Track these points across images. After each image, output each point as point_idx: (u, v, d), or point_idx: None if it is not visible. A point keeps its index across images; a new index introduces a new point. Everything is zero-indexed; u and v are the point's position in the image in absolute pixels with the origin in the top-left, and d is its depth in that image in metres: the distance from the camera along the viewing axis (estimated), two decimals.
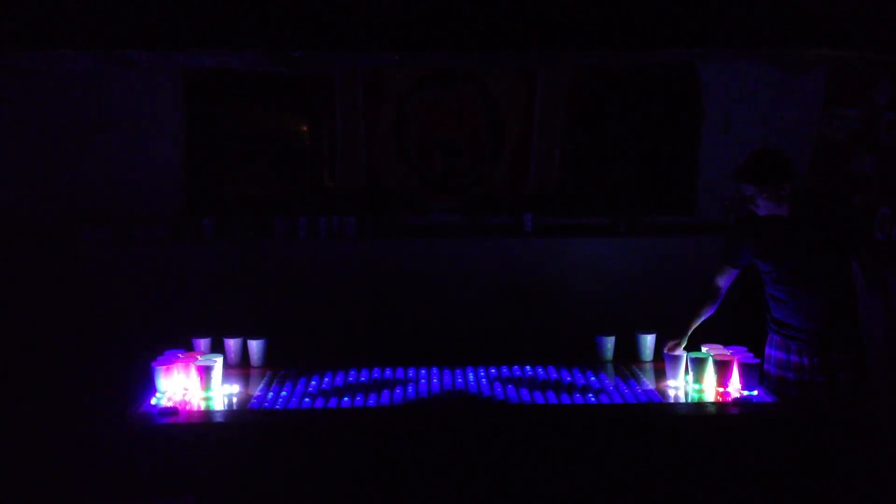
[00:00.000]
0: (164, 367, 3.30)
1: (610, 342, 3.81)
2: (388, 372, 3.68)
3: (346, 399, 3.35)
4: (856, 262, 3.41)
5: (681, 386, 3.45)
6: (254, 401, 3.32)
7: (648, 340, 3.80)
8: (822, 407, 3.40)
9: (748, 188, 3.40)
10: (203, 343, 3.71)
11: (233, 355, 3.77)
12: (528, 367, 3.72)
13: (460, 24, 4.13)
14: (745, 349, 3.54)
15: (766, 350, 3.61)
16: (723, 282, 3.67)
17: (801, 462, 3.22)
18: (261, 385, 3.51)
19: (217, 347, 3.74)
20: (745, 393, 3.29)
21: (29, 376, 4.87)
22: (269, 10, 4.09)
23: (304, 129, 5.52)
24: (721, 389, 3.33)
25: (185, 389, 3.34)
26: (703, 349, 3.55)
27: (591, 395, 3.37)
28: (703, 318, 3.72)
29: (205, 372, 3.32)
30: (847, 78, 4.89)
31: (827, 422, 3.38)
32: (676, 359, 3.47)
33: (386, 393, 3.40)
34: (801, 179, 3.43)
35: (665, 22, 4.12)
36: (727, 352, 3.50)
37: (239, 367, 3.74)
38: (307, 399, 3.35)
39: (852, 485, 3.36)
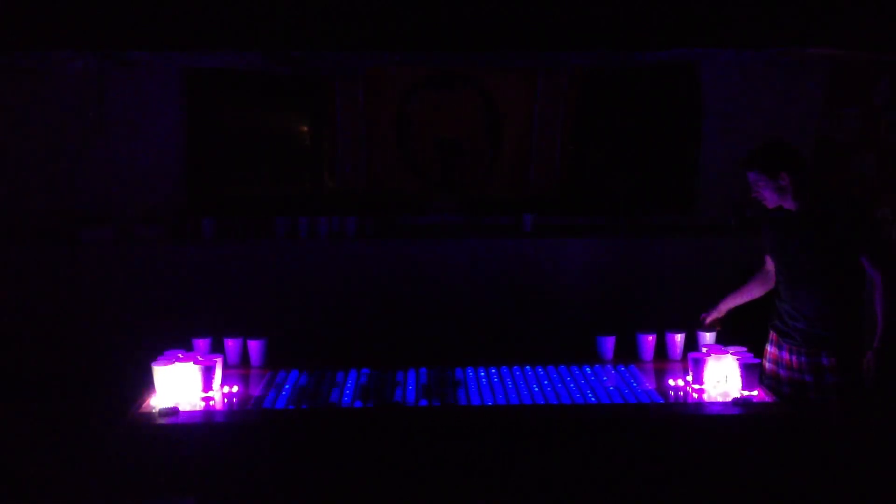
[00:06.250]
0: (164, 367, 3.29)
1: (610, 342, 3.81)
2: (387, 372, 3.68)
3: (345, 399, 3.35)
4: (865, 261, 3.35)
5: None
6: (253, 401, 3.32)
7: (648, 340, 3.80)
8: (812, 407, 3.40)
9: (749, 175, 3.41)
10: (203, 343, 3.71)
11: (233, 355, 3.77)
12: (527, 367, 3.72)
13: (460, 24, 4.13)
14: (745, 349, 3.54)
15: (766, 345, 3.62)
16: (768, 264, 3.69)
17: (801, 462, 3.22)
18: (261, 385, 3.51)
19: (217, 347, 3.74)
20: (745, 393, 3.29)
21: (29, 376, 4.87)
22: (269, 10, 4.10)
23: (304, 129, 5.52)
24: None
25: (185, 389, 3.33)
26: (703, 350, 3.55)
27: (590, 395, 3.37)
28: (747, 296, 3.75)
29: (205, 372, 3.32)
30: (847, 78, 4.89)
31: (825, 423, 3.38)
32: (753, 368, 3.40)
33: (386, 393, 3.40)
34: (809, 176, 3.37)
35: (665, 22, 4.12)
36: (727, 352, 3.49)
37: (239, 367, 3.73)
38: (307, 399, 3.35)
39: (851, 485, 3.36)
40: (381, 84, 5.28)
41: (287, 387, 3.48)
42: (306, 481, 3.09)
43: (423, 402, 3.32)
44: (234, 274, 5.08)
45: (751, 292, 3.78)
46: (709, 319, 3.77)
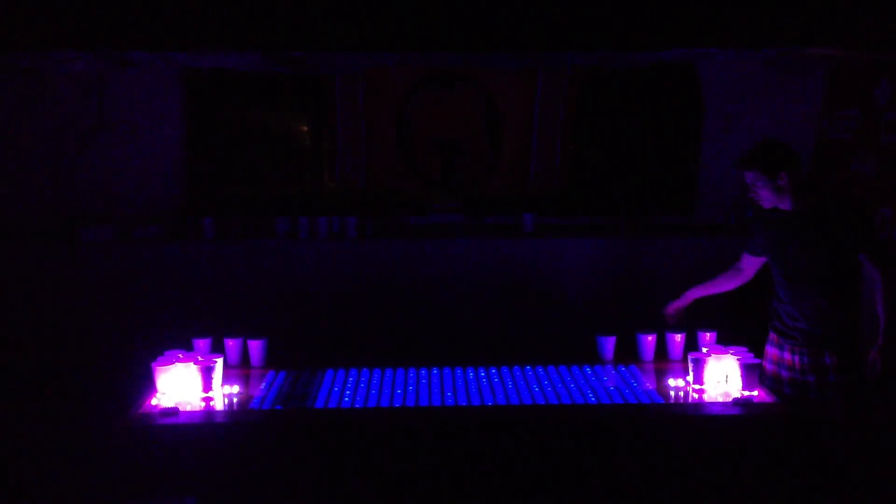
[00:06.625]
0: (164, 367, 3.29)
1: (610, 342, 3.81)
2: (387, 372, 3.68)
3: (345, 399, 3.35)
4: (864, 259, 3.34)
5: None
6: (254, 401, 3.32)
7: (648, 340, 3.80)
8: (813, 407, 3.39)
9: (747, 175, 3.40)
10: (203, 343, 3.71)
11: (233, 355, 3.77)
12: (528, 367, 3.72)
13: (460, 24, 4.13)
14: (746, 349, 3.54)
15: (766, 346, 3.62)
16: (744, 263, 3.71)
17: (801, 462, 3.22)
18: (261, 385, 3.51)
19: (217, 347, 3.73)
20: (745, 393, 3.29)
21: (29, 376, 4.87)
22: (269, 10, 4.10)
23: (304, 129, 5.52)
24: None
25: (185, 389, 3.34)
26: (703, 350, 3.55)
27: (591, 395, 3.37)
28: (715, 289, 3.78)
29: (205, 372, 3.32)
30: (847, 78, 4.89)
31: (827, 423, 3.38)
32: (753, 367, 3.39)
33: (386, 393, 3.40)
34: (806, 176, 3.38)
35: (665, 22, 4.12)
36: (727, 352, 3.49)
37: (239, 367, 3.73)
38: (307, 399, 3.35)
39: (852, 485, 3.36)
40: (381, 84, 5.28)
41: (286, 386, 3.48)
42: (306, 481, 3.09)
43: (424, 402, 3.32)
44: (234, 274, 5.08)
45: (719, 286, 3.79)
46: (672, 307, 3.78)
